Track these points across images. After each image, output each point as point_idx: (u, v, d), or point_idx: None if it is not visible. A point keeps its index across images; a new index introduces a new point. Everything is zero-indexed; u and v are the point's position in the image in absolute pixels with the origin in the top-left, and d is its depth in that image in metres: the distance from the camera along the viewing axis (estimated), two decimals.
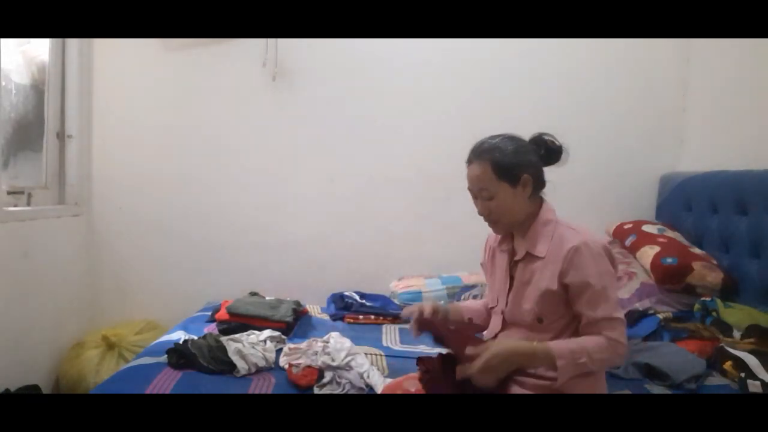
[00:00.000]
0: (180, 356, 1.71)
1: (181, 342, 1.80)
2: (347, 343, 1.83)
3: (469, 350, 1.27)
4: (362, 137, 2.81)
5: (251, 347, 1.79)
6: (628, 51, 2.75)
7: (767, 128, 2.23)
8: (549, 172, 1.43)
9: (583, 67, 2.79)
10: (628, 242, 2.44)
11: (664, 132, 2.81)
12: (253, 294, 2.44)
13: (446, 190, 2.71)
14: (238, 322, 2.07)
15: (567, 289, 1.31)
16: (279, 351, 1.85)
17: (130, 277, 2.81)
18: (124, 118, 2.77)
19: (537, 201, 1.41)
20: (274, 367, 1.76)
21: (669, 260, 2.16)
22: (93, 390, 1.60)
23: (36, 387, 2.22)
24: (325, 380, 1.63)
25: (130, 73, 2.76)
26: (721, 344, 1.79)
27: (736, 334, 1.82)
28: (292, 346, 1.85)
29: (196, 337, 1.87)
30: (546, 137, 1.42)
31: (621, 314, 1.31)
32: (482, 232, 1.53)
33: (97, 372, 2.36)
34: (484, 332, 1.49)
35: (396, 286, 2.65)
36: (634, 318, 2.06)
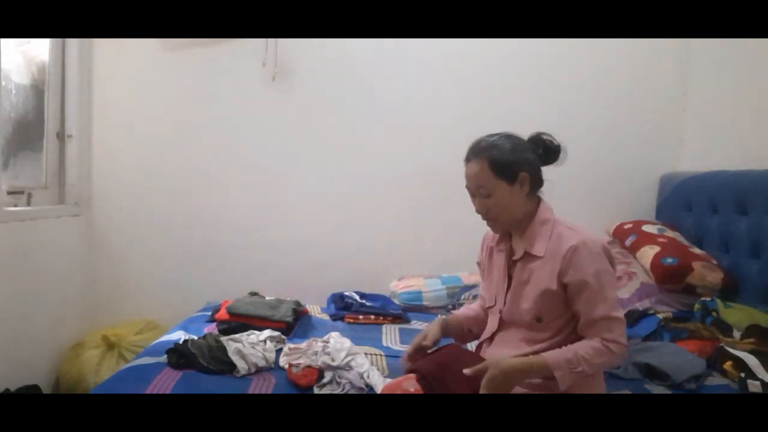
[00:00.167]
0: (180, 356, 1.71)
1: (181, 342, 1.80)
2: (347, 343, 1.82)
3: (467, 372, 1.28)
4: (362, 137, 2.81)
5: (251, 347, 1.79)
6: (629, 51, 2.75)
7: (767, 128, 2.23)
8: (549, 172, 1.43)
9: (583, 67, 2.79)
10: (628, 242, 2.45)
11: (664, 132, 2.81)
12: (253, 294, 2.44)
13: (446, 190, 2.69)
14: (238, 322, 2.07)
15: (566, 288, 1.31)
16: (279, 351, 1.85)
17: (130, 277, 2.81)
18: (124, 118, 2.77)
19: (535, 200, 1.42)
20: (274, 367, 1.76)
21: (669, 260, 2.16)
22: (93, 390, 1.60)
23: (36, 387, 2.21)
24: (325, 380, 1.62)
25: (130, 73, 2.76)
26: (721, 344, 1.79)
27: (736, 334, 1.82)
28: (292, 346, 1.84)
29: (196, 337, 1.86)
30: (544, 136, 1.42)
31: (620, 314, 1.31)
32: (482, 231, 1.53)
33: (97, 372, 2.36)
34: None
35: (396, 286, 2.65)
36: (634, 318, 2.06)
